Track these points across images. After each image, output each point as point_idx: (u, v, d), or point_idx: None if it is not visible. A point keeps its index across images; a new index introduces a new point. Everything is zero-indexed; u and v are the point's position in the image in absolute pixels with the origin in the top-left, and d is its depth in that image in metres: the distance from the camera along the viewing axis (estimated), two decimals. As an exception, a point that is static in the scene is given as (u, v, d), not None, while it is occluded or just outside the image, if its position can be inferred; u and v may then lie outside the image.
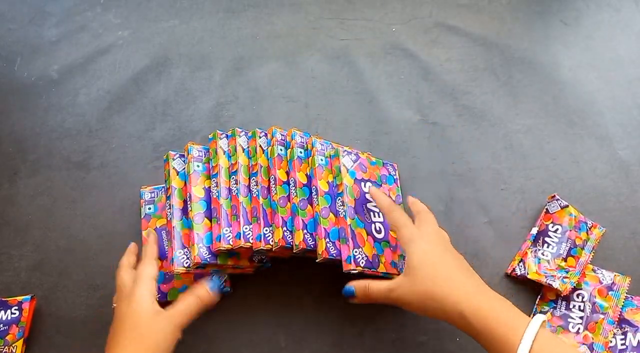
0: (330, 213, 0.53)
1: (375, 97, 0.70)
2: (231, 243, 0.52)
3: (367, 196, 0.55)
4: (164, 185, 0.61)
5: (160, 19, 0.78)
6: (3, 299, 0.58)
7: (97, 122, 0.70)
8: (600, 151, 0.66)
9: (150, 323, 0.46)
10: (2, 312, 0.57)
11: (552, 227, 0.60)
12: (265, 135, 0.57)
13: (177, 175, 0.57)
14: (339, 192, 0.53)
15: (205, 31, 0.76)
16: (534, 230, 0.61)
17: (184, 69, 0.73)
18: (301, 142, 0.57)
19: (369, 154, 0.61)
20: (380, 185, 0.58)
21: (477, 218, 0.63)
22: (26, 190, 0.66)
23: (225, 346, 0.57)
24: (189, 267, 0.52)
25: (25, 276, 0.61)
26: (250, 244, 0.52)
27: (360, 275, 0.51)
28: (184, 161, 0.57)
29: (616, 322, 0.54)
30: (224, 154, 0.57)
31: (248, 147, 0.57)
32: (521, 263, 0.59)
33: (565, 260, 0.58)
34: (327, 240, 0.51)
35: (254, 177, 0.55)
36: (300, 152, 0.56)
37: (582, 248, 0.59)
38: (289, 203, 0.54)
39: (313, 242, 0.52)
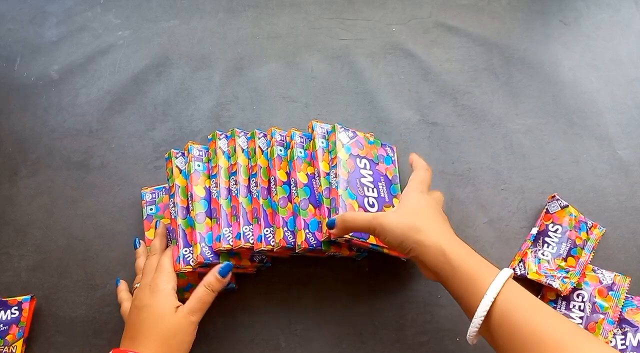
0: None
1: (375, 97, 0.70)
2: (231, 243, 0.52)
3: (362, 171, 0.55)
4: (164, 185, 0.61)
5: (160, 19, 0.78)
6: (3, 299, 0.58)
7: (97, 122, 0.70)
8: (600, 151, 0.66)
9: (172, 320, 0.47)
10: (2, 312, 0.57)
11: (552, 227, 0.60)
12: (265, 136, 0.58)
13: (180, 173, 0.57)
14: (333, 164, 0.54)
15: (205, 31, 0.76)
16: (534, 230, 0.61)
17: (184, 69, 0.73)
18: (301, 142, 0.57)
19: (371, 133, 0.61)
20: (377, 164, 0.58)
21: (477, 218, 0.63)
22: (26, 190, 0.66)
23: (225, 346, 0.57)
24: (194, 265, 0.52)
25: (25, 276, 0.61)
26: (250, 244, 0.52)
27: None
28: (185, 159, 0.58)
29: (616, 322, 0.54)
30: (223, 154, 0.57)
31: (247, 147, 0.57)
32: (521, 263, 0.59)
33: (565, 260, 0.58)
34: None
35: (253, 178, 0.55)
36: (300, 152, 0.56)
37: (582, 248, 0.59)
38: (289, 203, 0.54)
39: (315, 242, 0.52)
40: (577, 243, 0.59)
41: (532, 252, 0.60)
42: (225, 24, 0.77)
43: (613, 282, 0.56)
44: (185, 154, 0.58)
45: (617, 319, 0.54)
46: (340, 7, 0.78)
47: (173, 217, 0.55)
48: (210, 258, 0.52)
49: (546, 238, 0.60)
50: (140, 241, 0.58)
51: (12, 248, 0.63)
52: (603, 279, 0.57)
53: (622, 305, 0.55)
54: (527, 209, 0.63)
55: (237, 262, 0.55)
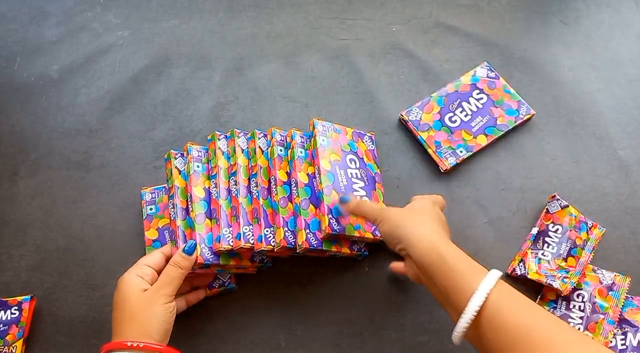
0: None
1: (375, 97, 0.70)
2: (231, 244, 0.52)
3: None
4: (164, 185, 0.61)
5: (160, 19, 0.78)
6: (3, 299, 0.58)
7: (97, 122, 0.70)
8: (600, 151, 0.66)
9: (138, 301, 0.48)
10: (2, 312, 0.57)
11: (553, 227, 0.60)
12: (265, 136, 0.58)
13: (180, 174, 0.57)
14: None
15: (205, 31, 0.76)
16: (534, 230, 0.61)
17: (184, 69, 0.73)
18: (301, 142, 0.57)
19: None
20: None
21: (477, 218, 0.63)
22: (26, 190, 0.66)
23: (225, 346, 0.57)
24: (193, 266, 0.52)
25: (25, 276, 0.61)
26: (250, 245, 0.52)
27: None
28: (185, 160, 0.57)
29: (616, 322, 0.54)
30: (223, 155, 0.57)
31: (247, 148, 0.57)
32: (521, 264, 0.58)
33: (565, 260, 0.58)
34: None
35: (253, 179, 0.55)
36: (301, 152, 0.56)
37: (583, 249, 0.58)
38: (289, 203, 0.54)
39: (316, 242, 0.52)
40: (577, 243, 0.59)
41: (532, 252, 0.59)
42: (225, 24, 0.77)
43: (613, 282, 0.56)
44: (185, 154, 0.58)
45: (617, 319, 0.54)
46: (340, 7, 0.78)
47: (172, 218, 0.55)
48: (210, 259, 0.52)
49: (546, 238, 0.60)
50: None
51: (12, 248, 0.63)
52: (603, 279, 0.57)
53: (622, 305, 0.55)
54: (527, 209, 0.63)
55: (238, 262, 0.55)
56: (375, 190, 0.58)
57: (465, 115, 0.65)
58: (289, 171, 0.55)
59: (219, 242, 0.52)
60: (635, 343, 0.53)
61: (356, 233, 0.54)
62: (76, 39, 0.76)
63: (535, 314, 0.38)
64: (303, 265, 0.59)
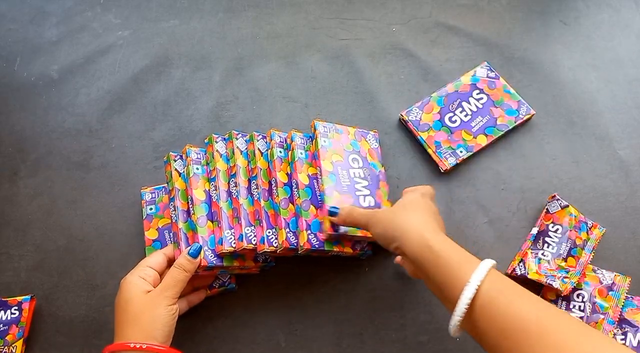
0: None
1: (375, 97, 0.70)
2: (233, 245, 0.52)
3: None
4: (164, 185, 0.61)
5: (160, 19, 0.78)
6: (3, 299, 0.58)
7: (97, 122, 0.70)
8: (600, 151, 0.66)
9: (141, 303, 0.48)
10: (2, 312, 0.57)
11: (553, 227, 0.60)
12: (263, 137, 0.58)
13: (180, 176, 0.57)
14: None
15: (205, 31, 0.76)
16: (534, 230, 0.61)
17: (184, 69, 0.73)
18: (302, 143, 0.57)
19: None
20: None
21: (477, 218, 0.63)
22: (26, 190, 0.66)
23: (225, 346, 0.57)
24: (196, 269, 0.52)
25: (25, 276, 0.61)
26: (253, 245, 0.52)
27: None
28: (184, 162, 0.57)
29: (616, 322, 0.54)
30: (221, 157, 0.57)
31: (246, 149, 0.57)
32: (521, 264, 0.58)
33: (565, 260, 0.58)
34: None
35: (254, 181, 0.55)
36: (301, 154, 0.56)
37: (583, 249, 0.58)
38: (291, 204, 0.54)
39: (318, 243, 0.52)
40: (577, 243, 0.59)
41: (532, 252, 0.59)
42: (225, 24, 0.77)
43: (613, 282, 0.56)
44: (184, 156, 0.58)
45: (617, 319, 0.54)
46: (340, 7, 0.78)
47: (174, 221, 0.55)
48: (214, 262, 0.52)
49: (546, 238, 0.60)
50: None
51: (12, 248, 0.63)
52: (603, 279, 0.57)
53: (622, 305, 0.55)
54: (527, 209, 0.63)
55: (241, 263, 0.55)
56: (379, 188, 0.58)
57: (465, 115, 0.65)
58: (289, 172, 0.55)
59: (222, 244, 0.52)
60: (635, 343, 0.53)
61: (359, 233, 0.54)
62: (76, 39, 0.76)
63: (528, 302, 0.38)
64: (304, 265, 0.59)
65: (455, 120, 0.65)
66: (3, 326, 0.56)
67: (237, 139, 0.57)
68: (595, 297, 0.56)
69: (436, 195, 0.63)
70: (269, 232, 0.53)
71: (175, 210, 0.55)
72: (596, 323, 0.54)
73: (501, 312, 0.37)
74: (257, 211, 0.54)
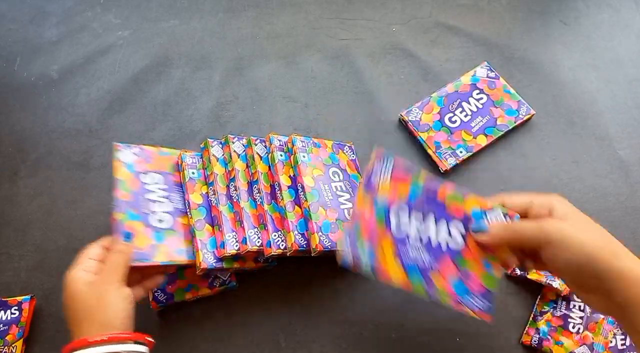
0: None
1: (375, 97, 0.70)
2: (236, 248, 0.52)
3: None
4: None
5: (160, 19, 0.78)
6: (3, 299, 0.58)
7: (97, 122, 0.70)
8: (600, 151, 0.66)
9: (89, 296, 0.45)
10: (2, 312, 0.57)
11: (552, 227, 0.60)
12: (261, 141, 0.58)
13: (217, 161, 0.57)
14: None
15: (205, 31, 0.76)
16: (534, 230, 0.60)
17: (184, 69, 0.73)
18: (302, 146, 0.57)
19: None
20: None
21: (477, 218, 0.62)
22: (26, 190, 0.66)
23: (225, 346, 0.57)
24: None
25: (25, 276, 0.61)
26: (257, 248, 0.52)
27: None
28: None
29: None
30: (218, 161, 0.57)
31: (244, 152, 0.57)
32: (521, 263, 0.58)
33: (565, 260, 0.58)
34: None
35: (255, 185, 0.55)
36: (304, 157, 0.56)
37: (582, 248, 0.58)
38: (296, 207, 0.54)
39: (330, 243, 0.52)
40: (577, 243, 0.59)
41: (532, 252, 0.59)
42: (225, 24, 0.77)
43: (613, 282, 0.56)
44: (179, 162, 0.58)
45: (617, 319, 0.54)
46: (340, 7, 0.78)
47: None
48: (214, 264, 0.52)
49: (546, 238, 0.60)
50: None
51: (12, 248, 0.63)
52: (603, 279, 0.57)
53: (622, 305, 0.55)
54: (527, 209, 0.63)
55: (242, 264, 0.55)
56: None
57: (465, 116, 0.65)
58: (292, 175, 0.55)
59: (224, 247, 0.52)
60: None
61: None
62: (76, 39, 0.76)
63: None
64: (303, 265, 0.59)
65: (455, 121, 0.65)
66: (3, 326, 0.56)
67: (233, 142, 0.57)
68: (595, 297, 0.56)
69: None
70: (275, 235, 0.53)
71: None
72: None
73: None
74: (262, 215, 0.54)
